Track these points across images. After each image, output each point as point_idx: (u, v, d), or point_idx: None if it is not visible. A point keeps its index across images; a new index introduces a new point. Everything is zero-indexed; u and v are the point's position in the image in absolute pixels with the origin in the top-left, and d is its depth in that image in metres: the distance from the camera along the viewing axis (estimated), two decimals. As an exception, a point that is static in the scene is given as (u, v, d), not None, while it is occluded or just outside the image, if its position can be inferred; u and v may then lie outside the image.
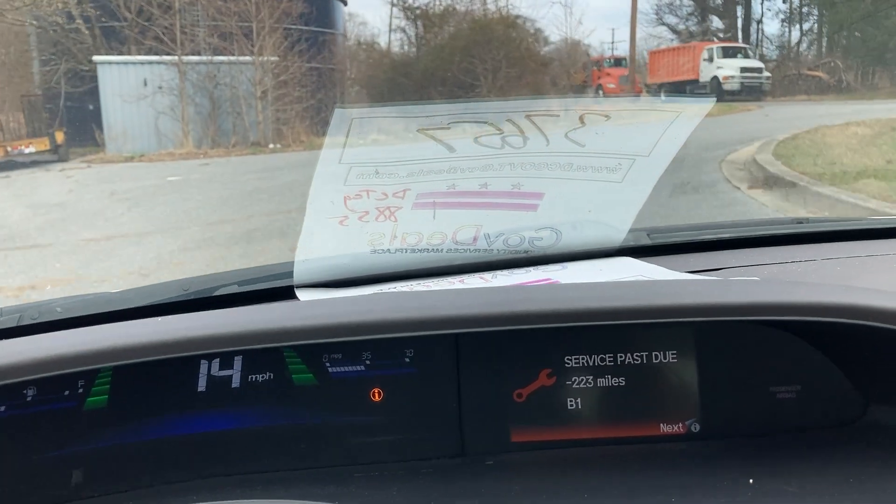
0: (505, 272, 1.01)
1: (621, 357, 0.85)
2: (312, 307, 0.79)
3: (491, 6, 26.56)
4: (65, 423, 0.80)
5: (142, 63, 18.34)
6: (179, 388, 0.82)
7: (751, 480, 0.71)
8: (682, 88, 27.48)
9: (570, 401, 0.85)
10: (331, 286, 0.99)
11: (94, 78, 18.16)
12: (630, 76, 26.66)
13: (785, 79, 27.86)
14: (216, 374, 0.83)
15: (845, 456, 0.78)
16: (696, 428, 0.85)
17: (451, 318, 0.72)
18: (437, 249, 1.00)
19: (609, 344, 0.85)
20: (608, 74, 28.01)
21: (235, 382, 0.83)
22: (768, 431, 0.84)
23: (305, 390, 0.84)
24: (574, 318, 0.72)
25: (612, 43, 33.27)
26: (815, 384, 0.85)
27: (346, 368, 0.84)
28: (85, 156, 17.34)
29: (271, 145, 17.67)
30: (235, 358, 0.83)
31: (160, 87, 17.80)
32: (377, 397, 0.84)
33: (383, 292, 0.93)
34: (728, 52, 26.61)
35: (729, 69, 25.55)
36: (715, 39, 29.76)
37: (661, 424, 0.85)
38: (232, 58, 18.10)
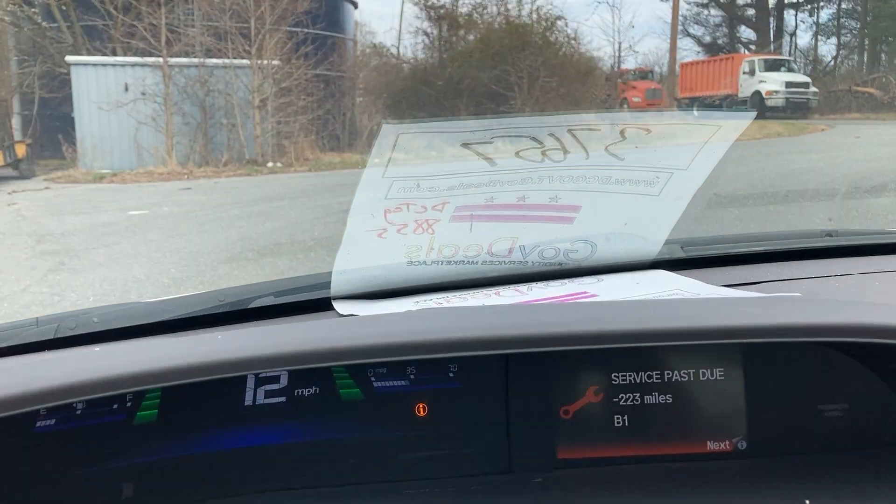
0: (540, 284, 1.13)
1: (668, 374, 0.96)
2: (360, 326, 0.88)
3: (527, 6, 26.27)
4: (114, 437, 0.90)
5: (122, 65, 18.04)
6: (228, 402, 0.93)
7: (807, 502, 0.80)
8: (717, 103, 27.80)
9: (617, 418, 0.95)
10: (367, 298, 1.11)
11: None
12: (668, 88, 27.08)
13: (831, 95, 28.07)
14: (264, 389, 0.94)
15: (892, 478, 0.87)
16: (742, 445, 0.96)
17: (497, 338, 0.80)
18: (473, 261, 1.12)
19: (656, 361, 0.96)
20: (633, 88, 28.41)
21: (283, 397, 0.94)
22: (816, 450, 0.94)
23: (351, 405, 0.95)
24: (623, 340, 0.81)
25: (622, 55, 33.70)
26: (863, 402, 0.95)
27: (391, 383, 0.95)
28: (52, 172, 16.98)
29: (270, 164, 17.22)
30: (282, 373, 0.94)
31: (143, 94, 17.30)
32: (422, 412, 0.95)
33: (423, 308, 1.04)
34: (771, 65, 27.30)
35: (773, 83, 26.26)
36: (746, 52, 30.19)
37: (708, 442, 0.95)
38: (227, 60, 17.70)
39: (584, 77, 25.48)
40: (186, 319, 1.09)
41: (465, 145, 1.01)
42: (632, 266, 1.20)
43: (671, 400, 0.97)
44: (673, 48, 29.49)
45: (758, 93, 26.49)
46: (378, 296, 1.12)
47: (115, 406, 0.90)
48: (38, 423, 0.88)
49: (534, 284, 1.14)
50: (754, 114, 1.08)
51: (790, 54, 33.11)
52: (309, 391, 0.95)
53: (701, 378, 0.97)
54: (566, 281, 1.15)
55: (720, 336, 0.82)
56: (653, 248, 1.20)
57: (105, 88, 17.80)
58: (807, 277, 1.19)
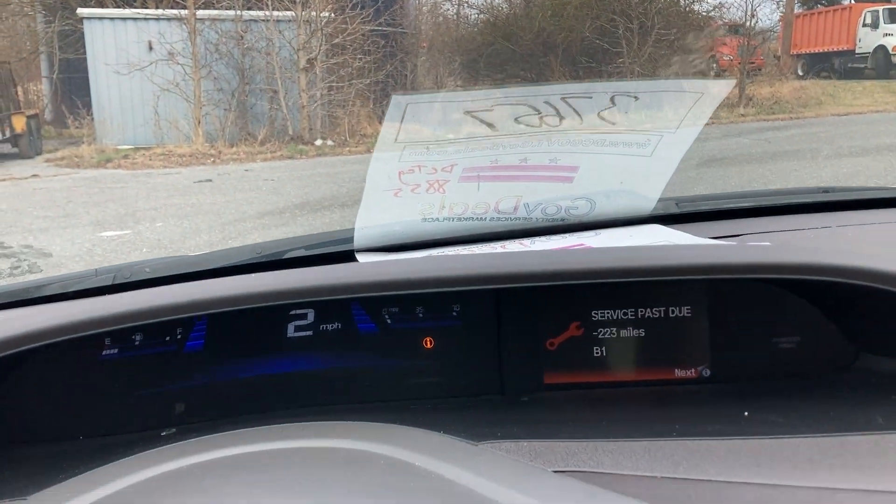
0: (543, 238, 1.55)
1: (642, 311, 1.38)
2: (375, 267, 1.31)
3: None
4: (167, 364, 1.35)
5: (145, 19, 18.31)
6: (264, 335, 1.37)
7: (745, 413, 1.18)
8: (829, 60, 27.91)
9: (596, 349, 1.38)
10: (386, 251, 1.55)
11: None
12: (786, 44, 26.96)
13: None
14: (294, 325, 1.38)
15: (833, 396, 1.26)
16: (706, 373, 1.37)
17: (493, 275, 1.21)
18: (481, 218, 1.55)
19: (631, 300, 1.37)
20: (724, 44, 28.28)
21: (310, 332, 1.38)
22: (771, 377, 1.35)
23: (368, 338, 1.39)
24: (597, 276, 1.21)
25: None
26: (812, 336, 1.36)
27: (402, 320, 1.39)
28: (59, 150, 17.18)
29: (319, 141, 17.09)
30: (309, 311, 1.37)
31: (170, 54, 17.37)
32: (429, 345, 1.39)
33: (434, 255, 1.48)
34: None
35: None
36: (851, 3, 29.74)
37: (676, 370, 1.37)
38: (267, 13, 17.63)
39: (703, 30, 25.37)
40: (228, 268, 1.55)
41: (468, 113, 1.44)
42: (629, 221, 1.63)
43: (644, 334, 1.39)
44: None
45: (882, 48, 26.60)
46: (396, 249, 1.57)
47: (168, 338, 1.36)
48: (104, 352, 1.33)
49: (537, 238, 1.57)
50: (733, 82, 1.50)
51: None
52: (332, 326, 1.40)
53: (671, 315, 1.39)
54: (567, 235, 1.58)
55: (678, 273, 1.24)
56: (648, 204, 1.63)
57: (124, 47, 17.95)
58: (787, 230, 1.60)
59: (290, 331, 1.40)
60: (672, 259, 1.25)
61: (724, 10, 27.80)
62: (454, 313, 1.41)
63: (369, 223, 1.54)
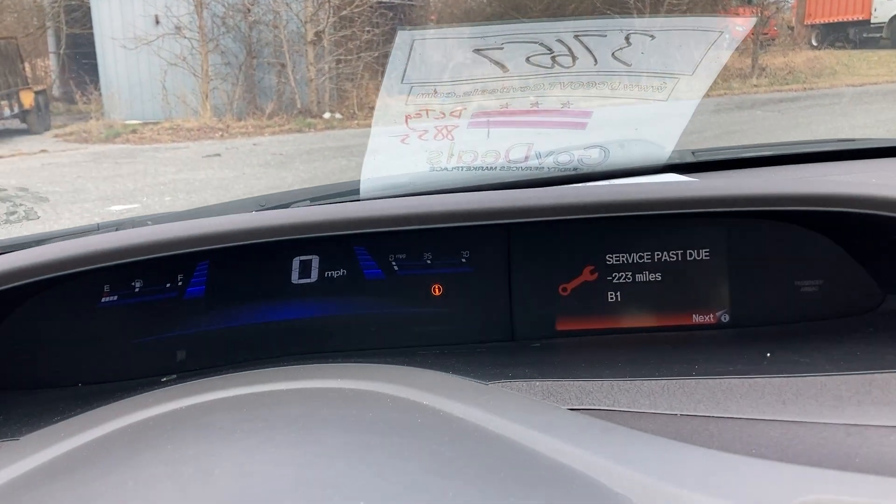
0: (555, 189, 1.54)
1: (658, 254, 1.33)
2: (381, 204, 1.24)
3: None
4: (168, 311, 1.31)
5: None
6: (266, 281, 1.33)
7: (768, 354, 1.14)
8: (844, 30, 27.50)
9: (611, 294, 1.34)
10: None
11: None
12: (800, 14, 26.83)
13: None
14: (297, 271, 1.34)
15: (859, 338, 1.21)
16: (725, 318, 1.33)
17: (501, 209, 1.17)
18: (492, 167, 1.50)
19: (647, 242, 1.33)
20: (737, 14, 28.15)
21: (314, 277, 1.34)
22: (793, 321, 1.31)
23: (375, 284, 1.35)
24: (611, 209, 1.17)
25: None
26: (836, 277, 1.31)
27: (410, 266, 1.35)
28: (68, 125, 17.07)
29: (327, 114, 16.90)
30: (313, 257, 1.34)
31: (177, 28, 17.20)
32: (437, 292, 1.36)
33: (439, 194, 1.46)
34: None
35: None
36: None
37: (694, 315, 1.33)
38: None
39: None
40: None
41: (478, 51, 1.39)
42: (644, 170, 1.58)
43: (661, 278, 1.34)
44: None
45: None
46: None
47: (168, 284, 1.32)
48: (103, 300, 1.30)
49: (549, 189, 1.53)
50: (755, 19, 1.45)
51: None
52: (337, 273, 1.36)
53: (688, 258, 1.34)
54: (579, 185, 1.53)
55: (689, 205, 1.19)
56: (664, 152, 1.58)
57: (131, 21, 17.77)
58: (809, 177, 1.55)
59: (294, 277, 1.36)
60: (688, 191, 1.21)
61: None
62: (463, 259, 1.37)
63: (376, 172, 1.50)
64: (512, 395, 0.96)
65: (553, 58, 1.41)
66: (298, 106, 17.46)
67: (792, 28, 28.55)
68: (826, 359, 1.11)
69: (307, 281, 1.36)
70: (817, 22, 28.84)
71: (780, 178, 1.33)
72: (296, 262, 1.36)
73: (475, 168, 1.52)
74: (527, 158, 1.52)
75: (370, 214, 1.21)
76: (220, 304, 1.35)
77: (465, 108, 1.44)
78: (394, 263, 1.37)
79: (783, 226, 1.32)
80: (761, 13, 25.36)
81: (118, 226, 1.53)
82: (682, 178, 1.52)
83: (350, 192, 1.55)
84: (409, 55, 1.35)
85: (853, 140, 1.74)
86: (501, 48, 1.39)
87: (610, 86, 1.46)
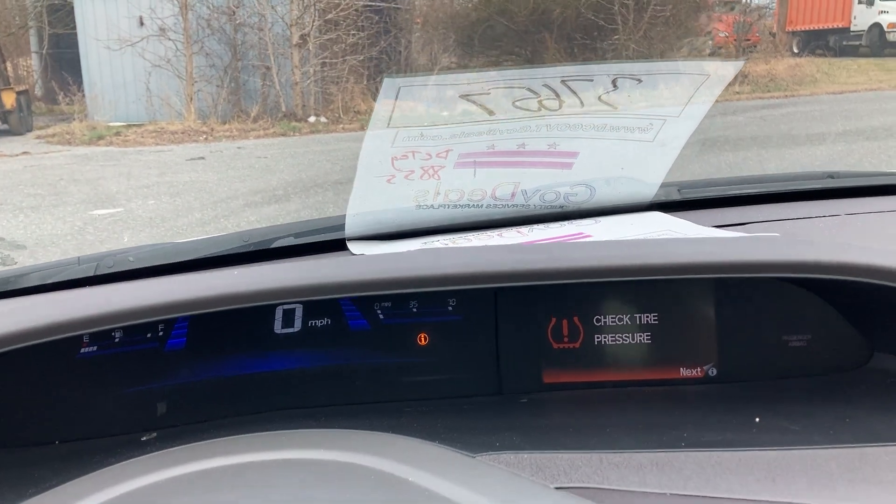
0: (541, 226, 1.49)
1: (646, 307, 1.31)
2: (366, 263, 1.23)
3: None
4: (149, 362, 1.28)
5: None
6: (249, 332, 1.31)
7: (756, 419, 1.12)
8: (824, 38, 27.87)
9: (598, 347, 1.32)
10: (379, 239, 1.48)
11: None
12: (781, 21, 26.99)
13: None
14: (280, 321, 1.31)
15: (847, 398, 1.20)
16: (713, 372, 1.31)
17: (491, 273, 1.14)
18: (478, 205, 1.48)
19: (635, 294, 1.31)
20: (720, 20, 28.41)
21: (297, 327, 1.31)
22: (780, 376, 1.28)
23: (360, 335, 1.33)
24: (598, 275, 1.14)
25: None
26: (824, 333, 1.29)
27: (396, 316, 1.33)
28: (50, 126, 17.07)
29: (312, 118, 17.06)
30: (297, 306, 1.31)
31: (161, 29, 17.27)
32: (423, 341, 1.33)
33: (428, 248, 1.38)
34: None
35: None
36: None
37: (682, 369, 1.31)
38: None
39: (699, 6, 25.35)
40: (214, 258, 1.49)
41: (464, 97, 1.38)
42: (630, 208, 1.57)
43: (648, 331, 1.33)
44: None
45: (877, 25, 26.69)
46: (389, 237, 1.52)
47: (149, 335, 1.29)
48: (82, 350, 1.26)
49: (535, 226, 1.51)
50: (741, 63, 1.44)
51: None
52: (321, 322, 1.33)
53: (676, 310, 1.33)
54: (565, 223, 1.52)
55: (686, 272, 1.17)
56: (650, 190, 1.56)
57: (115, 22, 17.89)
58: (794, 218, 1.54)
59: (278, 327, 1.34)
60: (681, 256, 1.19)
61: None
62: (450, 308, 1.35)
63: (361, 210, 1.49)
64: (500, 473, 0.94)
65: (540, 101, 1.40)
66: (283, 109, 17.63)
67: (774, 35, 28.74)
68: (816, 426, 1.09)
69: (290, 331, 1.34)
70: (799, 29, 29.05)
71: (774, 238, 1.31)
72: (279, 312, 1.33)
73: (461, 206, 1.51)
74: (513, 196, 1.51)
75: (358, 279, 1.17)
76: (202, 355, 1.32)
77: (452, 150, 1.43)
78: (379, 312, 1.35)
79: (771, 282, 1.31)
80: (743, 19, 25.53)
81: (98, 261, 1.51)
82: (669, 217, 1.51)
83: (335, 229, 1.53)
84: (396, 101, 1.34)
85: (836, 176, 1.74)
86: (488, 93, 1.38)
87: (596, 127, 1.45)
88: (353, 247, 1.47)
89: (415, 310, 1.35)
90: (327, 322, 1.34)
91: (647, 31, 23.13)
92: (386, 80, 1.32)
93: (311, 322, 1.34)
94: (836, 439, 1.02)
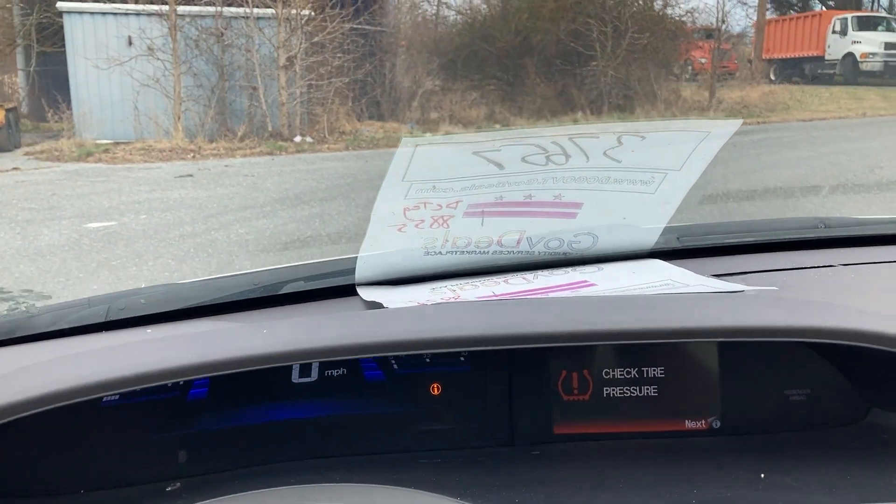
0: (545, 272, 1.52)
1: (653, 361, 1.35)
2: (387, 322, 1.24)
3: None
4: (170, 411, 1.29)
5: (124, 14, 18.14)
6: (268, 382, 1.32)
7: (762, 475, 1.15)
8: (800, 66, 28.22)
9: (607, 399, 1.34)
10: (388, 283, 1.51)
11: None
12: (757, 49, 27.24)
13: None
14: (298, 371, 1.33)
15: (846, 454, 1.23)
16: (717, 424, 1.33)
17: (507, 336, 1.15)
18: (484, 251, 1.51)
19: (643, 350, 1.34)
20: (699, 48, 28.62)
21: (314, 377, 1.33)
22: (781, 429, 1.32)
23: (375, 385, 1.35)
24: (613, 338, 1.18)
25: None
26: (823, 388, 1.33)
27: (410, 366, 1.35)
28: (38, 143, 16.98)
29: (298, 138, 17.13)
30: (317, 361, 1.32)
31: (149, 49, 17.29)
32: (436, 391, 1.35)
33: (447, 303, 1.39)
34: (865, 24, 27.66)
35: (869, 44, 26.76)
36: (824, 9, 30.15)
37: (687, 421, 1.34)
38: (247, 10, 17.62)
39: (675, 34, 25.52)
40: (225, 304, 1.50)
41: (476, 153, 1.41)
42: (631, 255, 1.60)
43: (655, 383, 1.35)
44: (762, 3, 29.83)
45: (850, 55, 27.08)
46: (398, 282, 1.54)
47: (171, 385, 1.30)
48: (105, 399, 1.26)
49: (539, 272, 1.53)
50: (740, 121, 1.47)
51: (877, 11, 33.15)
52: (338, 372, 1.36)
53: (682, 365, 1.36)
54: (569, 269, 1.54)
55: (694, 335, 1.20)
56: (650, 238, 1.60)
57: (104, 42, 17.88)
58: (790, 268, 1.58)
59: (295, 377, 1.35)
60: (691, 321, 1.20)
61: (696, 14, 28.09)
62: (462, 358, 1.37)
63: (372, 252, 1.51)
64: None
65: (547, 157, 1.43)
66: (269, 129, 17.62)
67: (751, 61, 28.96)
68: (818, 483, 1.12)
69: (307, 380, 1.36)
70: (775, 57, 29.27)
71: (768, 303, 1.34)
72: (297, 365, 1.35)
73: (468, 252, 1.53)
74: (519, 243, 1.54)
75: (381, 339, 1.18)
76: (222, 404, 1.33)
77: (461, 201, 1.46)
78: (394, 363, 1.37)
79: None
80: (719, 47, 25.73)
81: (110, 303, 1.49)
82: (669, 266, 1.54)
83: (344, 273, 1.54)
84: (411, 158, 1.37)
85: (828, 225, 1.77)
86: (499, 150, 1.41)
87: (600, 180, 1.48)
88: (362, 292, 1.49)
89: (428, 360, 1.37)
90: (343, 372, 1.36)
91: (625, 57, 23.27)
92: (403, 140, 1.36)
93: (328, 372, 1.36)
94: (839, 496, 1.04)
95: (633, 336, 1.17)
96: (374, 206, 1.43)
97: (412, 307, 1.35)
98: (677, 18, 26.18)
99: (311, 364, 1.34)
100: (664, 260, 1.59)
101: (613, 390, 1.37)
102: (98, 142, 16.88)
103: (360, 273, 1.51)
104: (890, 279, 1.60)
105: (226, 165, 14.65)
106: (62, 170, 14.57)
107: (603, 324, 1.18)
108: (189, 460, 1.30)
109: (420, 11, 28.14)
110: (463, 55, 24.65)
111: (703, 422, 1.36)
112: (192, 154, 16.00)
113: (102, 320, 1.46)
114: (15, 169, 14.67)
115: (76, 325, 1.45)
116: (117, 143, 16.74)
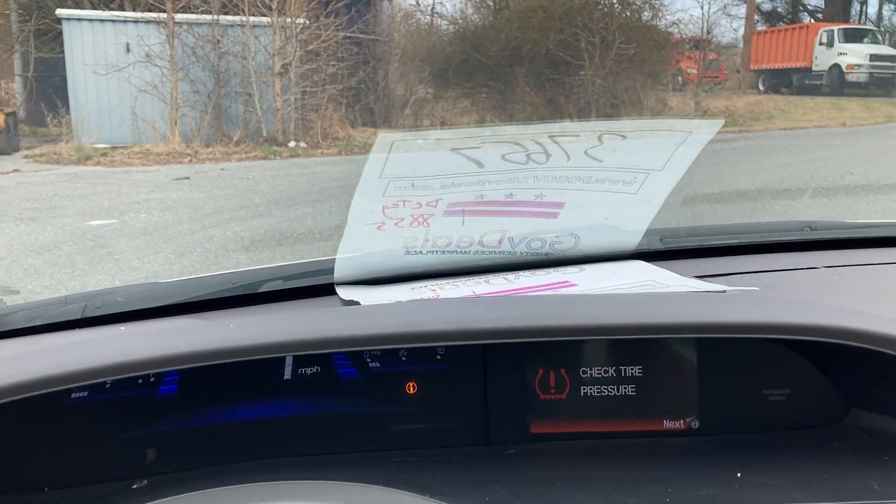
0: (527, 273, 1.47)
1: (632, 360, 1.29)
2: (361, 317, 1.19)
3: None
4: (139, 408, 1.24)
5: (123, 21, 18.12)
6: (239, 380, 1.27)
7: (738, 475, 1.10)
8: (788, 76, 28.25)
9: (584, 399, 1.29)
10: (367, 283, 1.46)
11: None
12: (744, 60, 27.24)
13: None
14: (271, 368, 1.28)
15: (825, 454, 1.18)
16: (695, 425, 1.29)
17: (481, 330, 1.11)
18: (465, 251, 1.46)
19: (621, 348, 1.29)
20: (689, 58, 28.58)
21: (288, 375, 1.28)
22: (760, 429, 1.27)
23: (349, 383, 1.29)
24: (590, 333, 1.13)
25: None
26: (802, 388, 1.28)
27: (385, 364, 1.30)
28: (37, 147, 16.96)
29: (292, 143, 17.12)
30: (287, 355, 1.27)
31: (148, 56, 17.33)
32: (412, 390, 1.30)
33: (419, 301, 1.35)
34: (851, 36, 27.68)
35: (855, 56, 26.79)
36: (812, 21, 30.17)
37: (665, 421, 1.29)
38: (243, 18, 17.57)
39: (661, 45, 25.56)
40: (202, 302, 1.44)
41: (455, 150, 1.36)
42: (613, 256, 1.55)
43: (633, 383, 1.30)
44: (750, 15, 29.88)
45: (837, 66, 27.10)
46: (377, 282, 1.49)
47: (140, 381, 1.25)
48: (74, 395, 1.22)
49: (521, 273, 1.49)
50: (721, 122, 1.43)
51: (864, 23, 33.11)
52: (311, 370, 1.30)
53: (660, 364, 1.31)
54: (551, 270, 1.49)
55: (675, 331, 1.15)
56: (633, 239, 1.55)
57: (102, 48, 17.81)
58: (773, 270, 1.53)
59: (268, 375, 1.30)
60: (670, 316, 1.15)
61: (682, 25, 28.09)
62: (438, 357, 1.32)
63: (351, 254, 1.46)
64: None
65: (528, 155, 1.38)
66: (264, 134, 17.61)
67: (739, 71, 28.97)
68: (796, 482, 1.07)
69: (281, 378, 1.31)
70: (763, 67, 29.26)
71: (749, 301, 1.29)
72: (269, 360, 1.29)
73: (449, 252, 1.48)
74: (500, 243, 1.49)
75: (355, 334, 1.12)
76: (193, 402, 1.28)
77: (442, 199, 1.41)
78: (369, 361, 1.32)
79: (752, 338, 1.29)
80: (704, 57, 25.78)
81: (86, 301, 1.44)
82: (651, 267, 1.50)
83: (323, 273, 1.49)
84: (389, 154, 1.32)
85: (813, 228, 1.73)
86: (479, 147, 1.36)
87: (581, 180, 1.44)
88: (341, 292, 1.44)
89: (404, 358, 1.32)
90: (317, 370, 1.31)
91: (612, 67, 23.30)
92: (380, 136, 1.30)
93: (301, 370, 1.30)
94: (816, 496, 1.00)
95: (610, 331, 1.13)
96: (351, 204, 1.37)
97: (386, 304, 1.30)
98: (663, 29, 26.17)
99: (284, 362, 1.29)
100: (647, 261, 1.54)
101: (591, 389, 1.32)
102: (96, 146, 16.84)
103: (340, 272, 1.47)
104: (874, 281, 1.55)
105: (222, 169, 14.66)
106: (62, 172, 14.55)
107: (580, 319, 1.13)
108: (158, 458, 1.25)
109: (413, 21, 28.07)
110: (454, 64, 24.65)
111: (682, 422, 1.31)
112: (188, 158, 15.99)
113: (78, 317, 1.42)
114: (15, 171, 14.62)
115: (51, 321, 1.41)
116: (115, 148, 16.73)
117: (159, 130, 17.35)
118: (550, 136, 1.37)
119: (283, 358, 1.29)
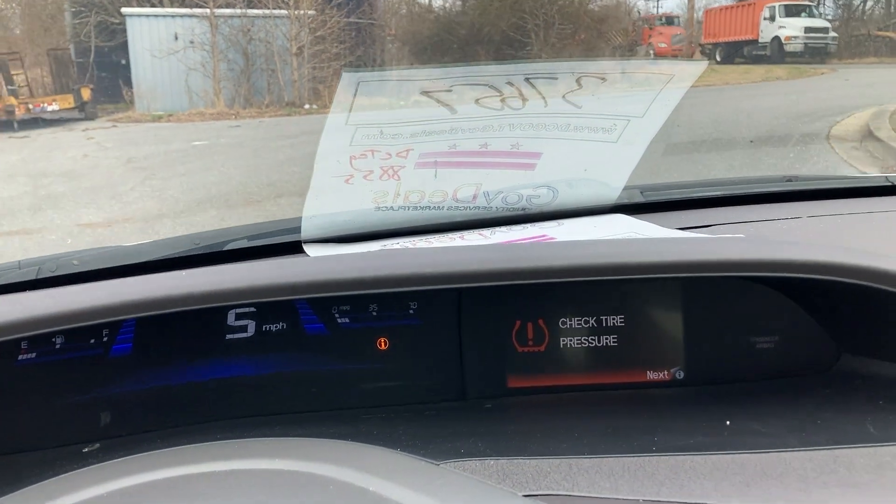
0: (503, 228, 1.08)
1: (612, 309, 0.93)
2: (323, 263, 0.84)
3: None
4: (92, 369, 0.88)
5: (172, 16, 18.32)
6: (199, 337, 0.90)
7: (727, 422, 0.78)
8: (739, 49, 26.74)
9: (563, 350, 0.93)
10: (336, 241, 1.07)
11: (125, 32, 18.20)
12: (689, 36, 26.41)
13: (852, 40, 26.52)
14: (233, 325, 0.91)
15: (816, 400, 0.85)
16: (680, 375, 0.92)
17: (452, 273, 0.78)
18: (439, 207, 1.06)
19: (601, 296, 0.93)
20: (660, 34, 27.48)
21: (251, 332, 0.91)
22: (748, 379, 0.92)
23: (317, 339, 0.92)
24: (567, 274, 0.78)
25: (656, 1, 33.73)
26: (792, 335, 0.92)
27: (354, 319, 0.92)
28: (113, 114, 17.30)
29: (307, 105, 17.58)
30: (250, 310, 0.90)
31: (191, 42, 17.57)
32: (384, 346, 0.92)
33: (389, 249, 1.00)
34: (791, 11, 25.78)
35: (792, 29, 24.89)
36: None
37: (648, 372, 0.93)
38: (266, 11, 17.97)
39: (597, 24, 24.99)
40: (162, 261, 1.05)
41: (425, 93, 0.94)
42: (593, 211, 1.13)
43: (614, 334, 0.93)
44: None
45: (777, 38, 25.32)
46: (347, 240, 1.07)
47: (92, 340, 0.88)
48: (20, 357, 0.85)
49: (497, 229, 1.09)
50: (706, 63, 1.00)
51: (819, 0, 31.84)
52: (276, 327, 0.92)
53: (643, 313, 0.93)
54: (528, 225, 1.09)
55: (659, 270, 0.80)
56: (613, 192, 1.14)
57: (157, 37, 18.08)
58: (757, 220, 1.13)
59: (229, 332, 0.91)
60: (650, 255, 0.80)
61: (630, 5, 27.35)
62: (411, 311, 0.93)
63: (318, 211, 1.04)
64: (465, 481, 0.64)
65: (503, 100, 0.97)
66: (286, 100, 18.32)
67: (693, 44, 28.04)
68: (787, 428, 0.77)
69: (243, 336, 0.92)
70: (720, 41, 28.04)
71: (736, 240, 0.91)
72: (231, 317, 0.91)
73: (422, 207, 1.06)
74: (475, 198, 1.08)
75: (313, 279, 0.78)
76: (149, 361, 0.90)
77: (412, 149, 0.99)
78: (337, 316, 0.93)
79: (738, 282, 0.92)
80: (679, 33, 25.03)
81: (40, 265, 1.05)
82: (632, 219, 1.09)
83: (290, 231, 1.09)
84: (355, 96, 0.89)
85: (794, 179, 1.34)
86: (450, 90, 0.94)
87: (559, 127, 1.02)
88: (309, 249, 1.04)
89: (374, 313, 0.93)
90: (282, 327, 0.93)
91: (555, 44, 22.92)
92: (344, 74, 0.88)
93: (266, 327, 0.92)
94: (809, 442, 0.72)
95: (589, 272, 0.79)
96: (316, 154, 0.95)
97: (354, 253, 0.93)
98: (596, 9, 25.57)
99: (247, 317, 0.92)
100: (627, 215, 1.12)
101: (571, 341, 0.94)
102: (157, 112, 17.17)
103: (307, 230, 1.06)
104: (859, 228, 1.17)
105: (259, 122, 15.45)
106: (147, 126, 15.22)
107: (557, 260, 0.79)
108: (113, 421, 0.89)
109: (405, 8, 27.76)
110: (433, 44, 24.47)
111: (666, 372, 0.94)
112: (233, 116, 16.52)
113: (32, 278, 1.04)
114: (113, 126, 15.32)
115: (2, 283, 1.03)
116: (173, 113, 17.05)
117: (208, 98, 17.84)
118: (527, 79, 0.94)
119: (247, 314, 0.91)
